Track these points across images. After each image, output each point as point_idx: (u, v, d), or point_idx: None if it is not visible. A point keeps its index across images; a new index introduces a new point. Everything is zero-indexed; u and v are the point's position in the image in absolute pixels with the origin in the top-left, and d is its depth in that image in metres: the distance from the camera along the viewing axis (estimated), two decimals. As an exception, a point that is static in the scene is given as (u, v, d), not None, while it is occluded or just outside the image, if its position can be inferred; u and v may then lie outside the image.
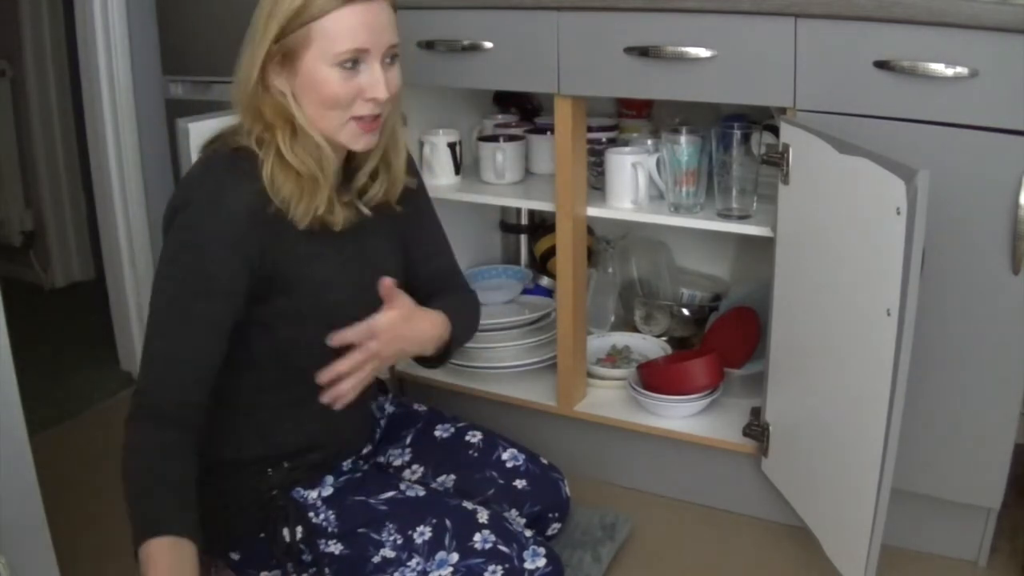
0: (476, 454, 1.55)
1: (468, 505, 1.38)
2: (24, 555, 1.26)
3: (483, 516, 1.36)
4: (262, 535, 1.35)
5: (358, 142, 1.29)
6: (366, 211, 1.38)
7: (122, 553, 1.71)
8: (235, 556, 1.38)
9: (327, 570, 1.34)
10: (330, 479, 1.38)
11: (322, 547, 1.33)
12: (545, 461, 1.61)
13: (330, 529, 1.33)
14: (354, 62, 1.23)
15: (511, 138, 2.02)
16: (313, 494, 1.37)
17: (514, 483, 1.54)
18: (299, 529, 1.34)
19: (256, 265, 1.25)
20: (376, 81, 1.24)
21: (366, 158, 1.37)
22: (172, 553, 1.16)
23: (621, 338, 2.11)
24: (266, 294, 1.27)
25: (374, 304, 1.36)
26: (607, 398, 1.95)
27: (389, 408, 1.63)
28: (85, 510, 1.84)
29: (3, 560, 1.13)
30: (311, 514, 1.35)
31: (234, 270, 1.23)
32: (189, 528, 1.17)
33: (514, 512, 1.53)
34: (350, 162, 1.38)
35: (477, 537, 1.33)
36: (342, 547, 1.33)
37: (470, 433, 1.59)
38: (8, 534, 1.23)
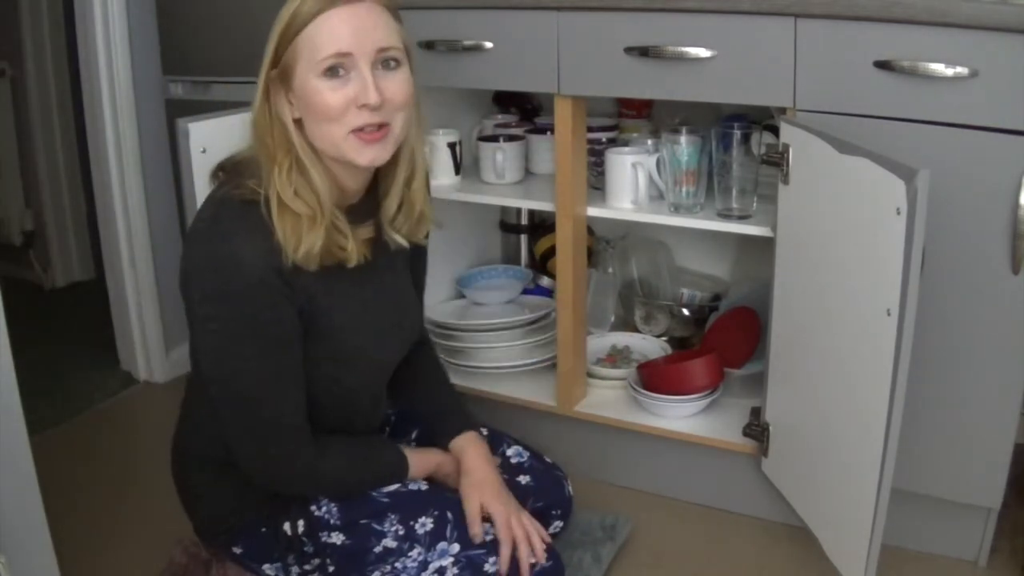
0: None
1: None
2: (24, 555, 1.26)
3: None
4: (264, 529, 1.35)
5: (362, 155, 1.21)
6: (403, 243, 1.34)
7: (122, 553, 1.72)
8: (237, 549, 1.38)
9: (328, 560, 1.34)
10: None
11: (324, 538, 1.34)
12: (549, 460, 1.62)
13: (332, 521, 1.34)
14: (342, 68, 1.18)
15: (511, 138, 2.02)
16: None
17: (518, 479, 1.54)
18: (301, 523, 1.34)
19: (297, 305, 1.23)
20: (365, 85, 1.17)
21: (389, 185, 1.32)
22: (417, 454, 1.43)
23: (621, 338, 2.11)
24: None
25: (392, 342, 1.40)
26: (607, 398, 1.95)
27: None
28: (85, 510, 1.84)
29: (3, 560, 1.13)
30: (313, 507, 1.35)
31: (290, 315, 1.23)
32: (399, 451, 1.41)
33: None
34: (372, 191, 1.33)
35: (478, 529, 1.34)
36: (344, 537, 1.34)
37: None
38: (8, 534, 1.23)
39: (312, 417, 1.31)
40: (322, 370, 1.30)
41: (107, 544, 1.74)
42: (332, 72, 1.17)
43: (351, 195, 1.30)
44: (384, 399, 1.50)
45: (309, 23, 1.17)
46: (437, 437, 1.50)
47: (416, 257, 1.49)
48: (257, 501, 1.36)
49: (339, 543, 1.34)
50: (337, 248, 1.24)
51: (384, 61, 1.21)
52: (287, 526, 1.34)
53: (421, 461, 1.43)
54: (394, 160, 1.28)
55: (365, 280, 1.32)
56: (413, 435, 1.60)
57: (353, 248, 1.25)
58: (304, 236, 1.19)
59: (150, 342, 2.43)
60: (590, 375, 1.98)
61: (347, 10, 1.17)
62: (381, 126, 1.21)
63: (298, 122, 1.22)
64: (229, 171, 1.29)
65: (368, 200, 1.33)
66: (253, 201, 1.20)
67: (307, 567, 1.36)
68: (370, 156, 1.22)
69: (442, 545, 1.32)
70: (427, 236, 1.46)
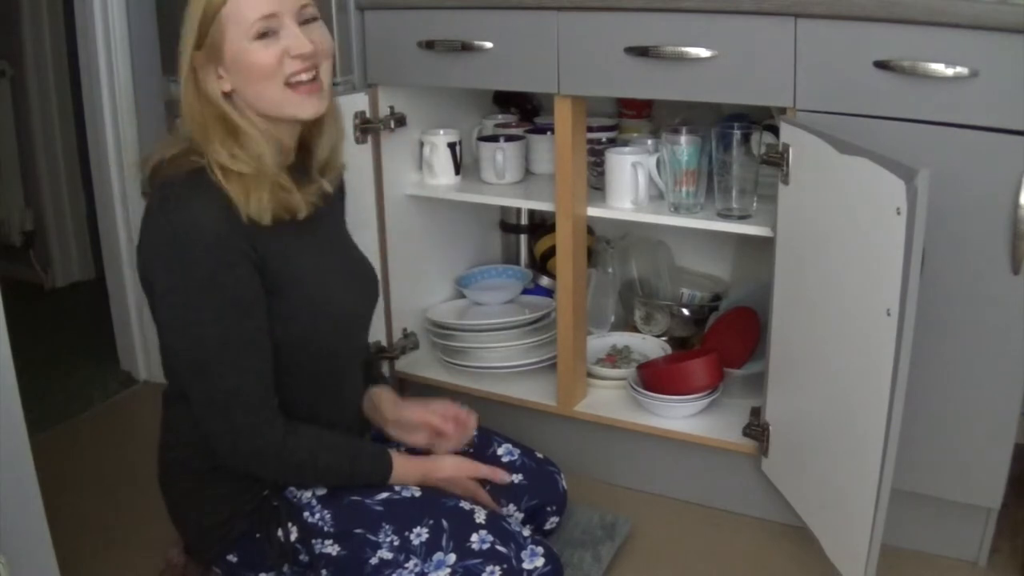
0: (471, 450, 1.56)
1: (465, 505, 1.38)
2: (24, 555, 1.26)
3: (480, 516, 1.36)
4: (258, 535, 1.35)
5: (304, 108, 1.29)
6: (329, 188, 1.40)
7: (122, 553, 1.72)
8: (232, 559, 1.38)
9: (324, 572, 1.34)
10: None
11: (318, 547, 1.33)
12: (540, 455, 1.62)
13: (325, 528, 1.33)
14: (271, 30, 1.25)
15: (511, 138, 2.02)
16: (307, 493, 1.37)
17: (511, 478, 1.54)
18: (293, 529, 1.34)
19: (258, 266, 1.26)
20: (296, 37, 1.25)
21: (319, 132, 1.38)
22: (401, 458, 1.41)
23: (621, 338, 2.11)
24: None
25: (356, 291, 1.43)
26: (607, 398, 1.95)
27: None
28: (85, 510, 1.85)
29: (3, 560, 1.13)
30: (306, 513, 1.35)
31: (249, 276, 1.25)
32: (381, 447, 1.43)
33: (512, 507, 1.53)
34: (304, 146, 1.39)
35: (474, 537, 1.33)
36: (338, 548, 1.33)
37: None
38: (8, 534, 1.23)
39: (291, 396, 1.32)
40: (294, 328, 1.31)
41: (107, 544, 1.74)
42: (263, 36, 1.25)
43: (288, 154, 1.35)
44: (360, 382, 1.51)
45: (228, 0, 1.24)
46: None
47: (340, 202, 1.54)
48: (249, 509, 1.35)
49: (334, 553, 1.33)
50: (285, 200, 1.28)
51: (307, 17, 1.29)
52: (280, 532, 1.34)
53: (408, 462, 1.42)
54: (329, 113, 1.37)
55: (318, 230, 1.37)
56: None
57: (300, 199, 1.30)
58: (252, 192, 1.24)
59: (150, 342, 2.43)
60: (590, 375, 1.98)
61: None
62: (314, 78, 1.29)
63: (227, 95, 1.28)
64: (158, 164, 1.31)
65: (301, 159, 1.39)
66: (197, 170, 1.25)
67: None
68: (311, 107, 1.30)
69: (438, 556, 1.31)
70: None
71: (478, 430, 1.59)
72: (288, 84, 1.27)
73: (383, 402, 1.55)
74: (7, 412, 1.24)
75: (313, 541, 1.33)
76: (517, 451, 1.58)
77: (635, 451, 1.90)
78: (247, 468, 1.31)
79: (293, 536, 1.34)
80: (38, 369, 2.45)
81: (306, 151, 1.40)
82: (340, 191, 1.51)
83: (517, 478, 1.55)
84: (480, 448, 1.57)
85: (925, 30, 1.37)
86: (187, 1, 1.27)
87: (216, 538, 1.37)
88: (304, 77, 1.28)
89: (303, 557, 1.34)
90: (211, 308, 1.22)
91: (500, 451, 1.57)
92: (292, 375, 1.33)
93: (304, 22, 1.28)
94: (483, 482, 1.50)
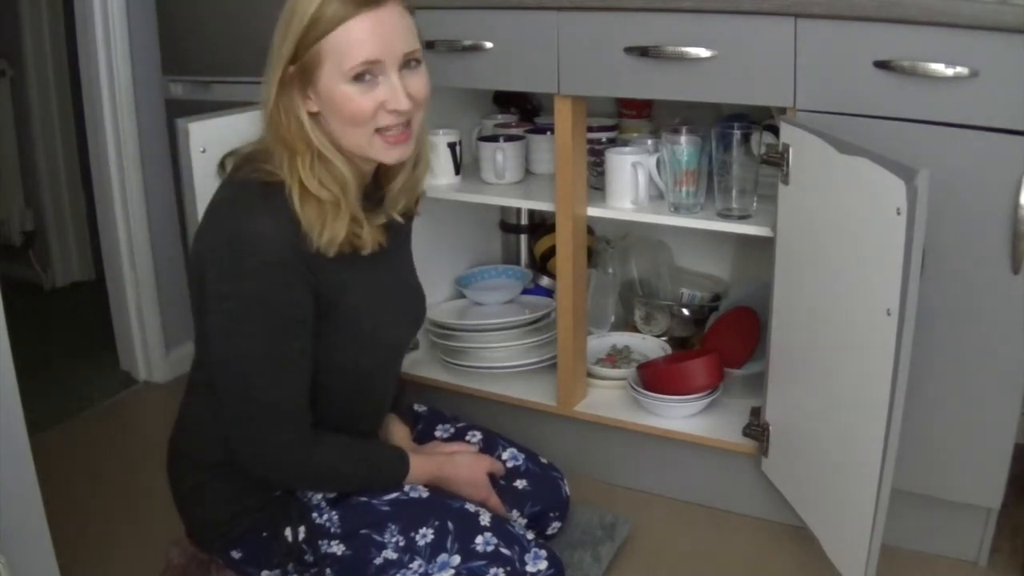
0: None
1: (470, 507, 1.38)
2: (24, 555, 1.26)
3: (485, 519, 1.36)
4: (265, 534, 1.35)
5: (390, 155, 1.26)
6: (400, 219, 1.37)
7: (122, 553, 1.72)
8: (236, 554, 1.38)
9: (328, 571, 1.34)
10: None
11: (324, 548, 1.33)
12: (544, 460, 1.62)
13: (332, 530, 1.34)
14: (370, 74, 1.20)
15: (511, 138, 2.02)
16: (317, 495, 1.37)
17: (515, 483, 1.54)
18: (302, 529, 1.34)
19: (314, 290, 1.24)
20: (395, 91, 1.21)
21: (397, 172, 1.35)
22: (420, 459, 1.41)
23: (621, 338, 2.11)
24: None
25: (406, 323, 1.42)
26: (607, 398, 1.95)
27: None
28: (85, 510, 1.85)
29: (3, 560, 1.13)
30: (314, 514, 1.35)
31: (305, 297, 1.23)
32: (400, 450, 1.42)
33: (515, 513, 1.53)
34: (379, 177, 1.36)
35: (479, 539, 1.33)
36: (344, 548, 1.33)
37: (470, 433, 1.60)
38: (8, 534, 1.23)
39: (321, 408, 1.31)
40: (339, 355, 1.31)
41: (107, 544, 1.74)
42: (360, 78, 1.19)
43: (364, 183, 1.32)
44: (393, 391, 1.51)
45: (335, 28, 1.17)
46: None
47: (409, 231, 1.52)
48: (256, 507, 1.35)
49: (339, 553, 1.33)
50: (354, 236, 1.26)
51: (410, 61, 1.24)
52: (288, 532, 1.34)
53: (423, 463, 1.42)
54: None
55: (379, 263, 1.34)
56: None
57: (368, 235, 1.28)
58: (328, 223, 1.22)
59: (150, 342, 2.43)
60: (590, 375, 1.98)
61: (373, 16, 1.18)
62: (406, 125, 1.25)
63: (313, 115, 1.23)
64: (241, 158, 1.29)
65: (375, 186, 1.36)
66: (273, 183, 1.22)
67: None
68: (397, 155, 1.26)
69: (443, 557, 1.31)
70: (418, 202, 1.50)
71: (484, 433, 1.59)
72: (377, 130, 1.23)
73: (393, 436, 1.54)
74: (7, 412, 1.24)
75: (319, 541, 1.34)
76: (522, 456, 1.58)
77: (635, 451, 1.90)
78: (265, 476, 1.31)
79: (301, 536, 1.34)
80: (38, 369, 2.45)
81: (380, 181, 1.37)
82: (410, 214, 1.47)
83: (521, 484, 1.55)
84: (485, 452, 1.57)
85: (925, 30, 1.37)
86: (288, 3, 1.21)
87: (220, 533, 1.37)
88: (395, 129, 1.24)
89: (308, 557, 1.35)
90: (261, 323, 1.21)
91: (505, 455, 1.57)
92: (326, 393, 1.33)
93: (405, 67, 1.23)
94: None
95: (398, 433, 1.54)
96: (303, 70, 1.20)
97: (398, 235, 1.41)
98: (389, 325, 1.38)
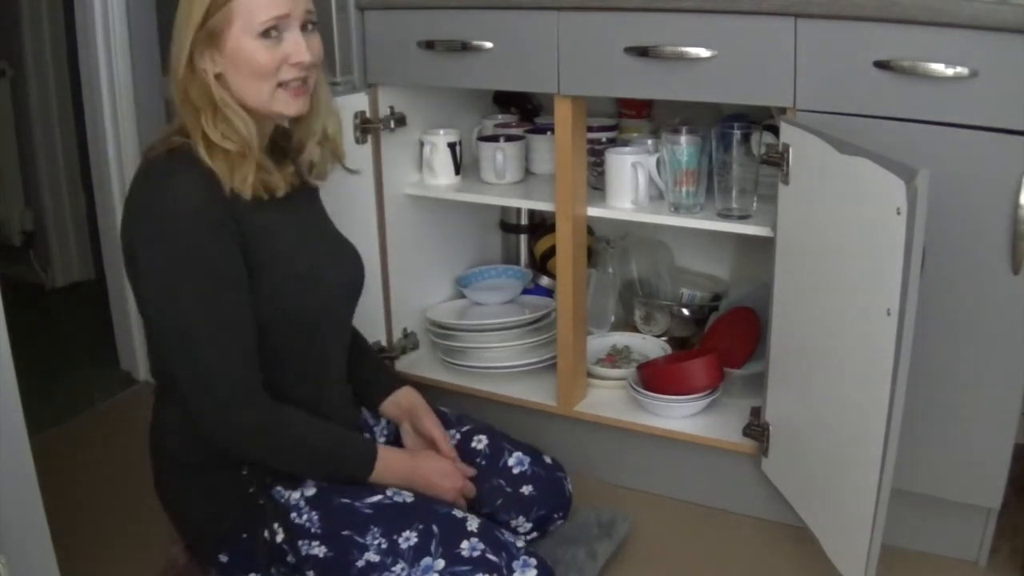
0: (483, 462, 1.55)
1: (458, 513, 1.37)
2: (24, 555, 1.26)
3: (473, 524, 1.34)
4: (244, 535, 1.35)
5: (291, 107, 1.33)
6: (313, 183, 1.46)
7: (122, 553, 1.72)
8: (223, 558, 1.37)
9: (310, 573, 1.33)
10: (312, 481, 1.37)
11: (304, 549, 1.32)
12: (548, 459, 1.62)
13: (313, 530, 1.32)
14: (276, 30, 1.28)
15: (511, 138, 2.02)
16: (295, 494, 1.35)
17: (521, 490, 1.54)
18: (279, 529, 1.33)
19: (240, 242, 1.28)
20: (298, 46, 1.29)
21: (308, 131, 1.43)
22: (391, 453, 1.43)
23: (621, 338, 2.11)
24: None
25: (339, 267, 1.45)
26: (607, 398, 1.94)
27: None
28: (85, 510, 1.84)
29: (3, 560, 1.13)
30: (293, 514, 1.34)
31: (231, 250, 1.27)
32: (369, 440, 1.48)
33: (521, 519, 1.53)
34: (291, 138, 1.44)
35: (465, 544, 1.31)
36: (325, 550, 1.32)
37: (476, 438, 1.59)
38: (8, 534, 1.23)
39: (277, 378, 1.33)
40: (282, 300, 1.33)
41: (107, 544, 1.74)
42: (267, 34, 1.27)
43: (265, 141, 1.39)
44: (345, 354, 1.52)
45: None
46: (371, 400, 1.59)
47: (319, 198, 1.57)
48: (235, 507, 1.35)
49: (320, 555, 1.32)
50: (265, 177, 1.32)
51: (308, 23, 1.33)
52: (267, 533, 1.33)
53: (397, 453, 1.44)
54: (311, 112, 1.41)
55: (298, 208, 1.41)
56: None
57: (279, 178, 1.34)
58: (237, 167, 1.28)
59: (150, 342, 2.43)
60: (590, 375, 1.98)
61: None
62: (303, 82, 1.33)
63: (218, 76, 1.30)
64: (148, 146, 1.35)
65: (278, 144, 1.43)
66: (179, 148, 1.28)
67: None
68: (297, 108, 1.34)
69: (426, 561, 1.29)
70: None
71: (489, 437, 1.59)
72: (279, 84, 1.31)
73: (417, 408, 1.58)
74: (7, 412, 1.24)
75: (300, 542, 1.32)
76: (527, 459, 1.57)
77: (635, 451, 1.90)
78: (235, 446, 1.30)
79: (279, 537, 1.33)
80: (38, 369, 2.45)
81: (284, 135, 1.44)
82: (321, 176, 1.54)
83: (527, 490, 1.54)
84: (491, 459, 1.56)
85: (925, 30, 1.37)
86: None
87: (208, 535, 1.37)
88: (295, 83, 1.32)
89: (290, 559, 1.34)
90: (193, 279, 1.24)
91: (511, 461, 1.56)
92: (278, 356, 1.34)
93: (304, 28, 1.32)
94: (496, 495, 1.52)
95: (410, 396, 1.60)
96: (211, 33, 1.27)
97: (312, 192, 1.49)
98: (325, 265, 1.41)
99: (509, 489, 1.53)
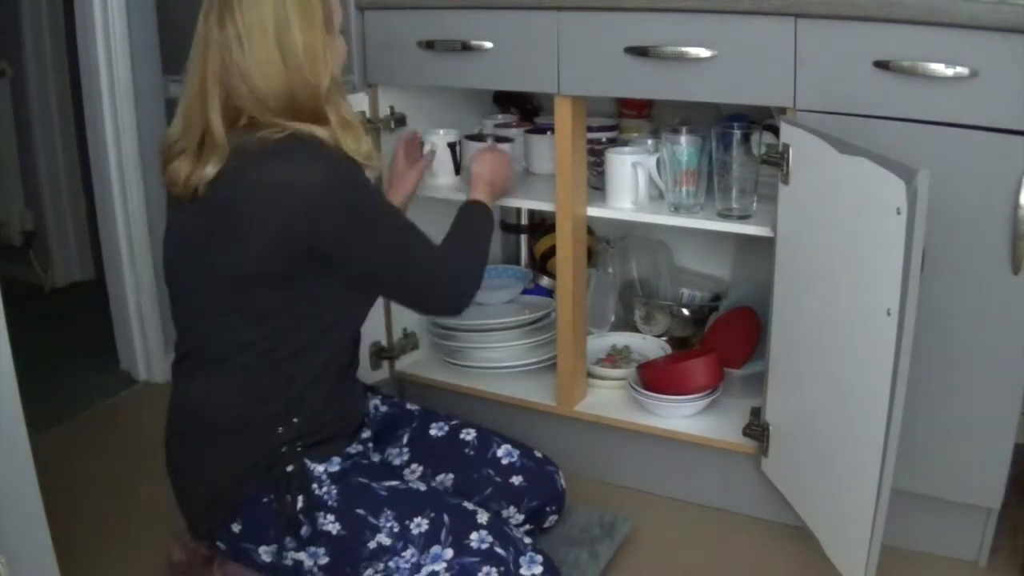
0: (472, 452, 1.56)
1: (469, 505, 1.38)
2: (24, 555, 1.26)
3: (483, 517, 1.36)
4: (265, 500, 1.34)
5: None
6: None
7: (122, 553, 1.72)
8: (236, 527, 1.37)
9: (322, 550, 1.34)
10: (337, 460, 1.38)
11: (320, 522, 1.33)
12: (539, 454, 1.62)
13: (330, 503, 1.33)
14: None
15: (501, 139, 2.01)
16: (320, 467, 1.36)
17: (511, 480, 1.55)
18: (301, 497, 1.33)
19: None
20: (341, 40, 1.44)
21: None
22: (475, 193, 1.70)
23: (621, 338, 2.11)
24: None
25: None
26: (607, 398, 1.95)
27: (383, 408, 1.63)
28: (85, 510, 1.85)
29: (3, 560, 1.13)
30: (314, 485, 1.35)
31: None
32: (464, 201, 1.69)
33: (513, 509, 1.53)
34: None
35: (474, 536, 1.33)
36: (339, 527, 1.33)
37: (464, 431, 1.60)
38: (8, 534, 1.23)
39: (326, 346, 1.40)
40: (352, 291, 1.42)
41: (107, 544, 1.74)
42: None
43: None
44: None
45: None
46: None
47: None
48: (261, 473, 1.34)
49: (334, 532, 1.33)
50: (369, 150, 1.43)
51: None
52: (289, 498, 1.33)
53: (479, 191, 1.70)
54: None
55: None
56: (405, 440, 1.60)
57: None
58: (361, 139, 1.38)
59: (150, 342, 2.43)
60: (590, 375, 1.98)
61: None
62: None
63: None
64: (232, 136, 1.38)
65: None
66: (294, 133, 1.32)
67: (302, 554, 1.35)
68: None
69: (436, 549, 1.31)
70: None
71: (477, 431, 1.59)
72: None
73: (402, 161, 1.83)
74: (7, 412, 1.24)
75: (317, 514, 1.33)
76: (516, 452, 1.59)
77: (635, 451, 1.90)
78: (466, 303, 1.51)
79: (299, 504, 1.34)
80: (38, 369, 2.45)
81: None
82: None
83: (517, 480, 1.55)
84: (480, 450, 1.57)
85: (925, 30, 1.37)
86: None
87: (224, 503, 1.36)
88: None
89: (304, 530, 1.34)
90: (389, 206, 1.46)
91: (500, 452, 1.58)
92: (319, 345, 1.39)
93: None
94: (486, 484, 1.52)
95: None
96: (330, 28, 1.39)
97: None
98: None
99: (499, 479, 1.54)
